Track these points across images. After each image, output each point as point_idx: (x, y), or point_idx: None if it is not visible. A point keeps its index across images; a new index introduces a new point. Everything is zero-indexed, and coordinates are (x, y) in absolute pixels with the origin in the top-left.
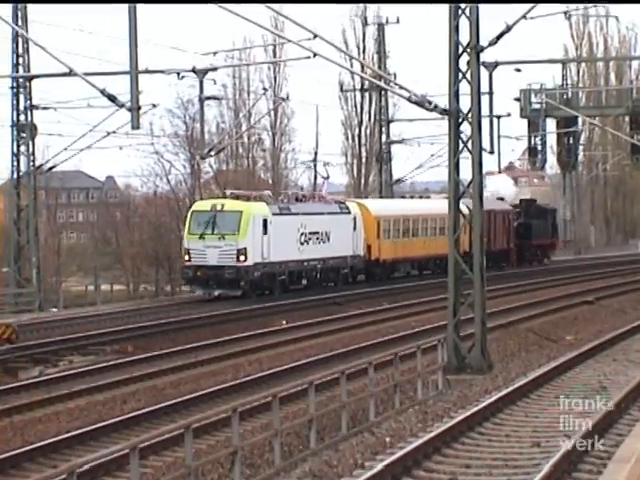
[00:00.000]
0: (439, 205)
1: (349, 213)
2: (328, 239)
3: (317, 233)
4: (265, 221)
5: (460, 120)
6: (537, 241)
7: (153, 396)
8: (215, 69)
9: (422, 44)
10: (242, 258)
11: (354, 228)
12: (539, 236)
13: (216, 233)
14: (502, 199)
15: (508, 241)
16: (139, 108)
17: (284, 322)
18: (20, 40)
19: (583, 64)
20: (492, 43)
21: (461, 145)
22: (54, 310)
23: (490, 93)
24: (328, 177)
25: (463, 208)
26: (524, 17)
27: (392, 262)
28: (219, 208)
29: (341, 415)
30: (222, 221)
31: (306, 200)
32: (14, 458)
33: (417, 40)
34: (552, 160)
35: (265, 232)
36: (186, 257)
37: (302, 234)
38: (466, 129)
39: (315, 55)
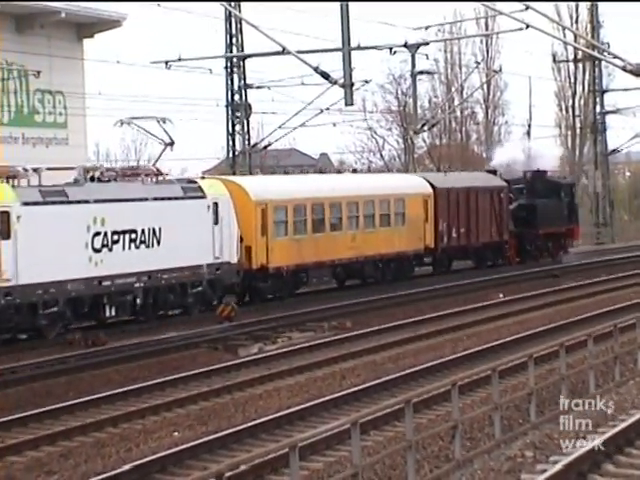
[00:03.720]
0: (380, 182)
1: (203, 197)
2: (157, 241)
3: (133, 232)
4: (5, 216)
5: None
6: (545, 229)
7: (372, 371)
8: (427, 43)
9: (636, 11)
10: None
11: (215, 221)
12: (549, 222)
13: None
14: (494, 172)
15: (500, 230)
16: (352, 84)
17: (501, 295)
18: (233, 20)
19: None
20: None
21: None
22: None
23: None
24: (172, 143)
25: (420, 184)
26: None
27: (294, 270)
28: None
29: (561, 388)
30: None
31: (115, 178)
32: (236, 434)
33: (631, 8)
34: None
35: (6, 235)
36: None
37: (97, 235)
38: None
39: (528, 26)
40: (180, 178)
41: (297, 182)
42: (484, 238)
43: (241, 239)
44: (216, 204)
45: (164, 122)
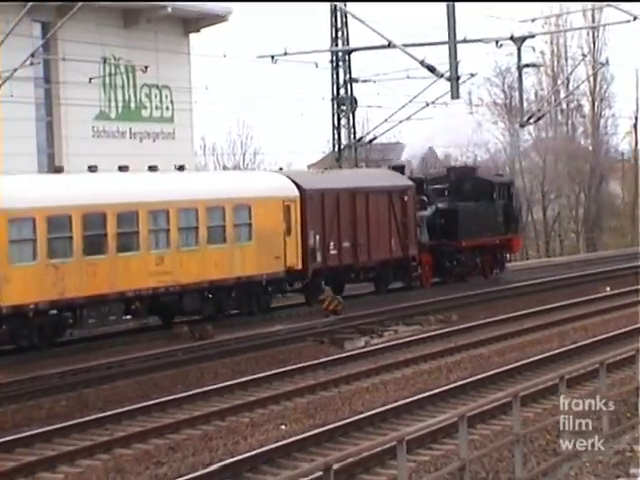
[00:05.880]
0: (210, 183)
1: None
2: None
3: None
4: None
5: None
6: (470, 240)
7: (479, 365)
8: (533, 36)
9: None
10: None
11: None
12: (475, 231)
13: None
14: (402, 168)
15: (403, 244)
16: (458, 78)
17: (608, 288)
18: (339, 14)
19: None
20: None
21: None
22: None
23: None
24: None
25: (278, 184)
26: None
27: (51, 309)
28: None
29: None
30: None
31: None
32: (343, 427)
33: None
34: None
35: None
36: None
37: None
38: None
39: (635, 18)
40: None
41: (55, 183)
42: (380, 254)
43: None
44: None
45: None
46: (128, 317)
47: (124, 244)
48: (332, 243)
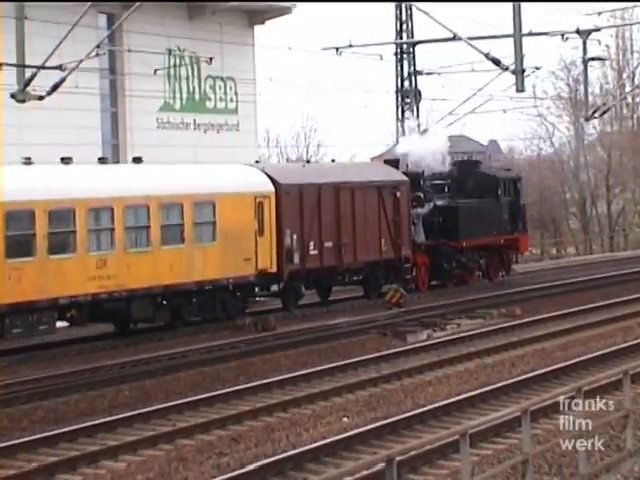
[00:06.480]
0: (166, 177)
1: None
2: None
3: None
4: None
5: None
6: (472, 240)
7: (542, 359)
8: (598, 30)
9: None
10: None
11: None
12: (478, 230)
13: None
14: (395, 162)
15: (395, 244)
16: (523, 71)
17: None
18: (404, 7)
19: None
20: None
21: None
22: None
23: None
24: None
25: (250, 179)
26: None
27: None
28: None
29: None
30: None
31: None
32: (405, 420)
33: None
34: None
35: None
36: None
37: None
38: None
39: None
40: None
41: None
42: (368, 255)
43: None
44: None
45: None
46: (65, 324)
47: (57, 245)
48: (312, 243)
